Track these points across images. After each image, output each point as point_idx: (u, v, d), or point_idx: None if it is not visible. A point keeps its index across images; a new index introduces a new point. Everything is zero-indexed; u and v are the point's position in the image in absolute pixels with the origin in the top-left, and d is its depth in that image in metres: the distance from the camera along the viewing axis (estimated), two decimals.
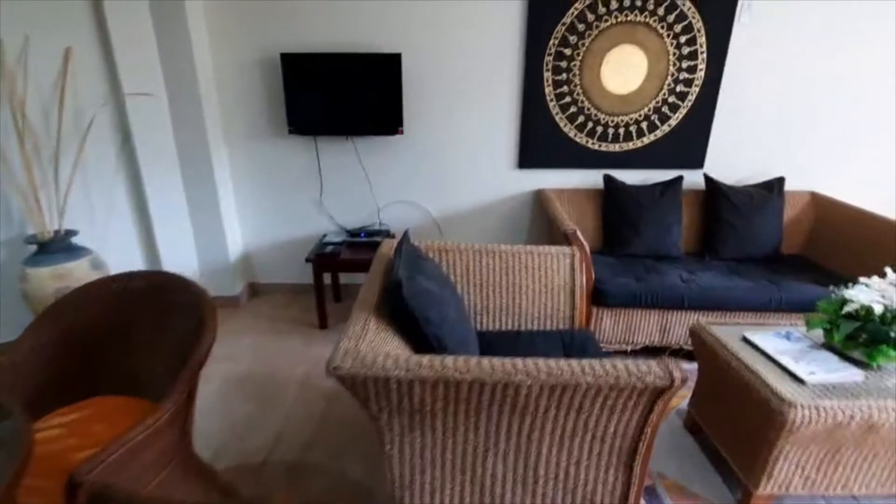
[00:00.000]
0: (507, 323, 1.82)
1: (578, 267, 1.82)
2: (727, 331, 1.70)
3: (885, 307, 1.39)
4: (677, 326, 2.29)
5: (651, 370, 1.01)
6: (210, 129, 2.67)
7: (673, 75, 2.61)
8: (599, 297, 2.23)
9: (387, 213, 3.01)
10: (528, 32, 2.57)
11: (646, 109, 2.69)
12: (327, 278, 3.06)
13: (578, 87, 2.66)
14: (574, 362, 1.04)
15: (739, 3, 2.48)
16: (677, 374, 1.00)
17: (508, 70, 2.67)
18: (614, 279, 2.28)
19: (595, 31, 2.56)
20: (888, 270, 1.53)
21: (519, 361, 1.03)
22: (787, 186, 2.72)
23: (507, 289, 1.82)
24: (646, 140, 2.74)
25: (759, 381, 1.39)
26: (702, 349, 1.71)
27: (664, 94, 2.65)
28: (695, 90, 2.63)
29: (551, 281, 1.83)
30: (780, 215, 2.60)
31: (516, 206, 2.96)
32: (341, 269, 2.65)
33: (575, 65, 2.62)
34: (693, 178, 2.77)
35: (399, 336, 1.24)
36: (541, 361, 1.03)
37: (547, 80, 2.65)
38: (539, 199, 2.85)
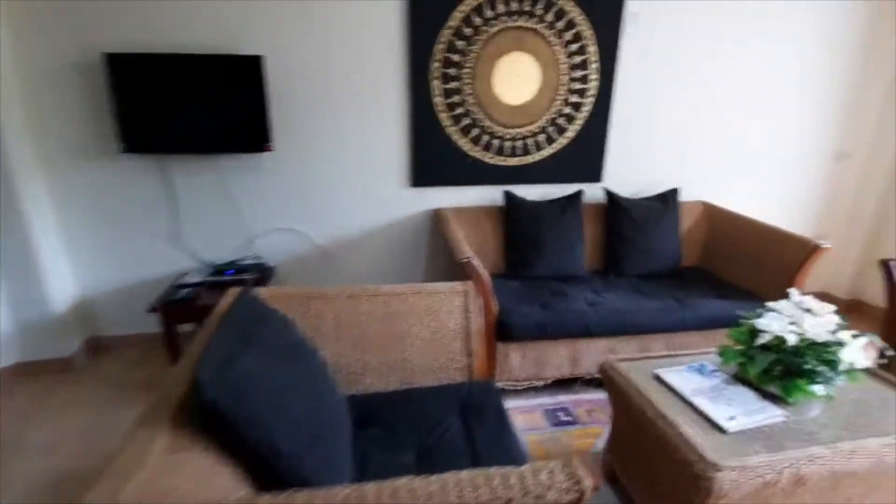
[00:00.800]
0: (394, 381, 1.49)
1: (474, 306, 1.55)
2: (638, 368, 1.51)
3: (799, 336, 1.26)
4: (587, 355, 2.11)
5: (553, 482, 0.73)
6: (13, 152, 2.06)
7: (566, 85, 2.48)
8: (505, 331, 1.98)
9: (264, 244, 2.56)
10: (411, 36, 2.30)
11: (542, 121, 2.53)
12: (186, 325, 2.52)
13: (471, 96, 2.43)
14: (450, 480, 0.73)
15: (625, 13, 2.41)
16: (587, 484, 0.73)
17: (394, 77, 2.37)
18: (519, 309, 2.05)
19: (484, 37, 2.35)
20: (792, 291, 1.43)
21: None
22: (681, 197, 2.70)
23: (391, 340, 1.49)
24: (544, 153, 2.58)
25: (679, 438, 1.19)
26: (614, 390, 1.50)
27: (559, 106, 2.51)
28: (589, 101, 2.52)
29: (444, 326, 1.53)
30: (677, 228, 2.56)
31: (413, 228, 2.66)
32: (198, 318, 2.15)
33: (466, 73, 2.39)
34: (593, 192, 2.66)
35: (217, 454, 0.85)
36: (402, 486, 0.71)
37: (436, 90, 2.39)
38: (437, 220, 2.58)
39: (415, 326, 1.50)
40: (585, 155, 2.63)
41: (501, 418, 1.31)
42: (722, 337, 2.13)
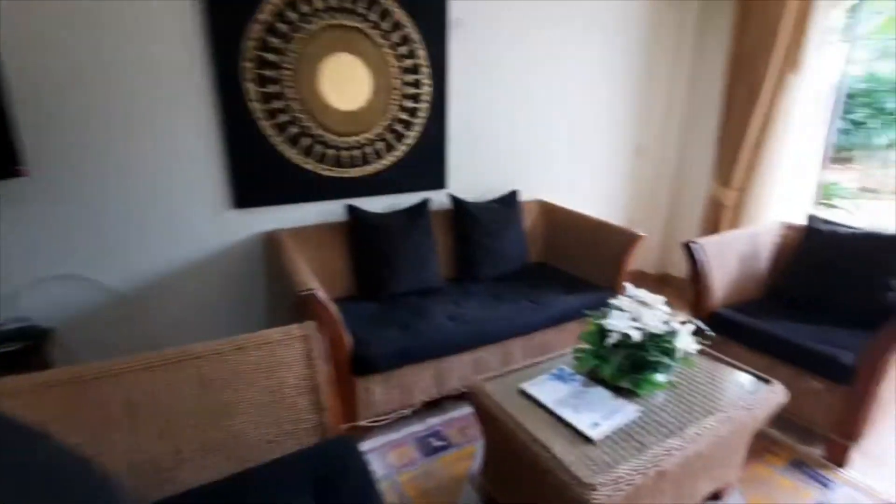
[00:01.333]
0: (223, 467, 1.17)
1: (319, 349, 1.30)
2: (503, 385, 1.45)
3: (641, 331, 1.31)
4: (453, 371, 2.01)
5: None
6: None
7: (399, 90, 2.35)
8: (363, 365, 1.77)
9: (35, 299, 1.92)
10: (211, 30, 1.92)
11: (379, 128, 2.36)
12: None
13: (296, 102, 2.15)
14: None
15: (449, 18, 2.38)
16: None
17: (194, 80, 1.96)
18: (378, 336, 1.86)
19: (303, 35, 2.09)
20: (627, 286, 1.50)
21: None
22: (520, 198, 2.80)
23: (213, 416, 1.17)
24: (385, 162, 2.43)
25: (552, 462, 1.13)
26: (482, 413, 1.41)
27: (395, 111, 2.37)
28: (424, 106, 2.44)
29: (284, 382, 1.26)
30: (521, 228, 2.64)
31: (244, 258, 2.27)
32: None
33: (287, 75, 2.10)
34: (440, 199, 2.60)
35: None
36: None
37: (252, 94, 2.05)
38: (270, 245, 2.23)
39: (244, 391, 1.20)
40: (427, 162, 2.55)
41: (366, 485, 1.11)
42: (573, 329, 2.25)
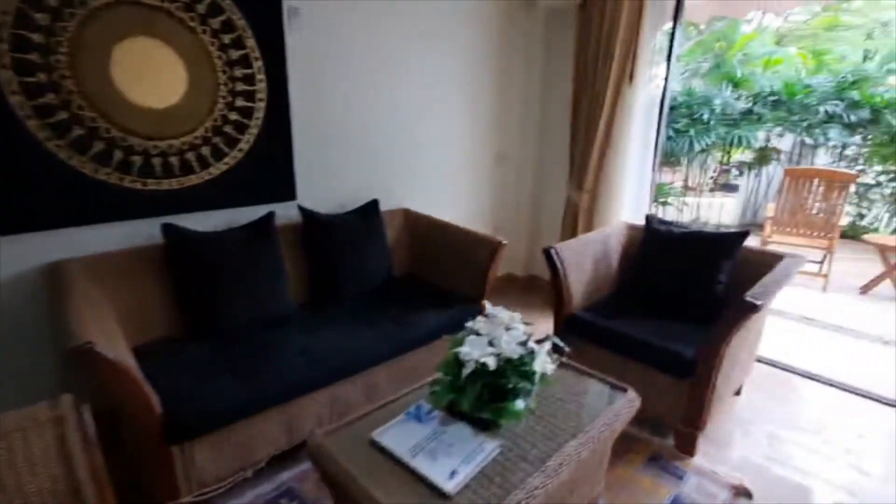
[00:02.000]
0: None
1: (80, 437, 0.94)
2: (351, 436, 1.22)
3: (498, 357, 1.18)
4: (307, 415, 1.73)
5: None
6: None
7: (227, 86, 2.00)
8: (179, 430, 1.40)
9: None
10: None
11: (203, 130, 1.98)
12: None
13: (79, 96, 1.68)
14: None
15: (285, 6, 2.09)
16: None
17: None
18: (202, 389, 1.50)
19: (82, 11, 1.63)
20: (487, 305, 1.38)
21: None
22: (383, 206, 2.60)
23: None
24: (213, 171, 2.04)
25: None
26: (326, 477, 1.17)
27: (223, 111, 2.01)
28: (261, 106, 2.11)
29: (22, 488, 0.88)
30: (384, 239, 2.44)
31: (15, 300, 1.71)
32: None
33: (61, 61, 1.62)
34: (289, 213, 2.28)
35: None
36: None
37: (12, 85, 1.55)
38: (55, 281, 1.71)
39: None
40: (270, 170, 2.22)
41: None
42: (442, 347, 2.10)
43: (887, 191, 5.63)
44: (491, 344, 1.21)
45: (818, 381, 2.45)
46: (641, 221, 2.45)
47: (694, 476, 1.74)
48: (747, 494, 1.65)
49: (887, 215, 5.65)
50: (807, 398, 2.32)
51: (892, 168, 5.63)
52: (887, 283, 3.79)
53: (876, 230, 5.68)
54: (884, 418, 2.16)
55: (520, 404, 1.21)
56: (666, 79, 2.91)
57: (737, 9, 3.31)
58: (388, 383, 1.94)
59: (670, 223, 2.34)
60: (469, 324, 1.30)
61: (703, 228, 2.24)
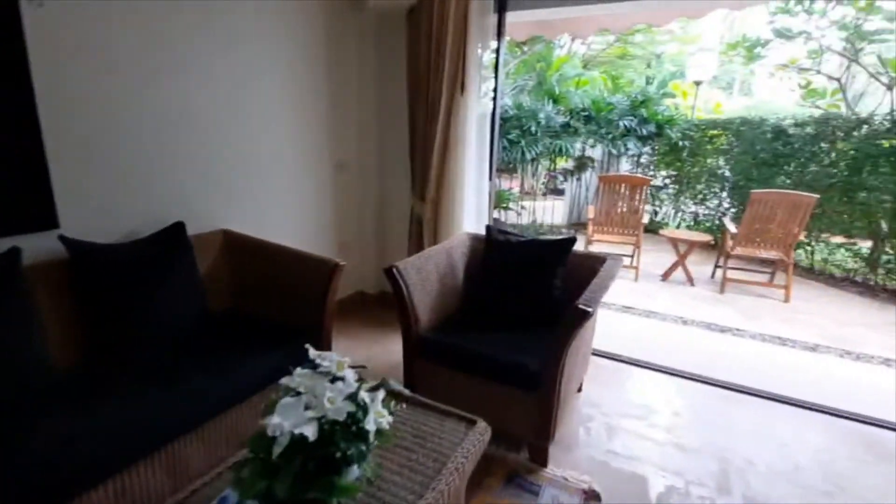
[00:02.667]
0: None
1: None
2: None
3: (321, 422, 0.95)
4: None
5: None
6: None
7: None
8: None
9: None
10: None
11: None
12: None
13: None
14: None
15: None
16: None
17: None
18: None
19: None
20: (309, 349, 1.13)
21: None
22: (195, 229, 2.15)
23: None
24: None
25: None
26: None
27: None
28: None
29: None
30: (194, 269, 2.00)
31: None
32: None
33: None
34: (48, 245, 1.71)
35: None
36: None
37: None
38: None
39: None
40: (12, 191, 1.64)
41: None
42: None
43: (671, 191, 6.83)
44: (311, 406, 0.97)
45: (639, 365, 2.73)
46: (483, 231, 2.44)
47: (549, 488, 1.73)
48: (597, 497, 1.69)
49: (673, 212, 6.86)
50: (632, 384, 2.56)
51: (673, 173, 6.86)
52: (681, 269, 4.53)
53: (667, 225, 6.86)
54: (690, 393, 2.48)
55: (354, 473, 1.00)
56: (495, 91, 3.00)
57: (551, 30, 3.60)
58: (204, 457, 1.55)
59: (509, 233, 2.37)
60: (284, 381, 1.04)
61: (538, 236, 2.30)
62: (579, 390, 2.38)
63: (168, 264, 1.90)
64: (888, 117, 4.50)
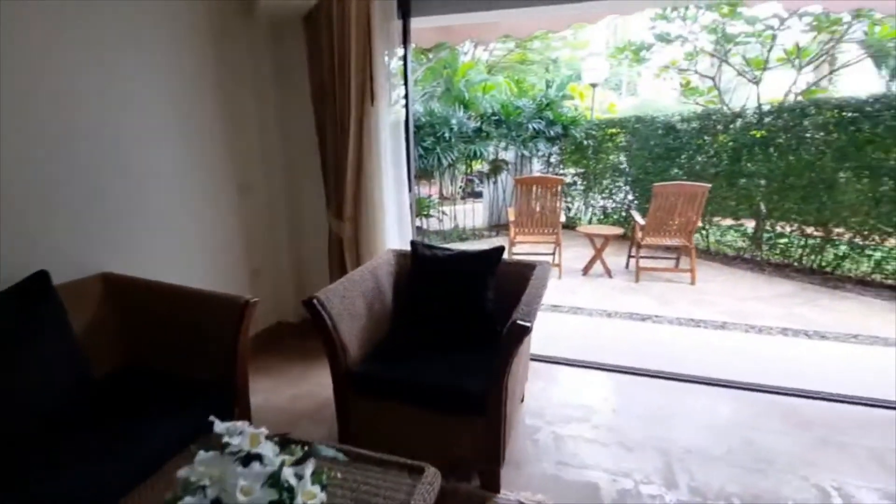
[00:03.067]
0: None
1: None
2: None
3: None
4: None
5: None
6: None
7: None
8: None
9: None
10: None
11: None
12: None
13: None
14: None
15: None
16: None
17: None
18: None
19: None
20: (214, 422, 0.93)
21: None
22: (63, 277, 1.78)
23: None
24: None
25: None
26: None
27: None
28: None
29: None
30: (64, 328, 1.65)
31: None
32: None
33: None
34: None
35: None
36: None
37: None
38: None
39: None
40: None
41: None
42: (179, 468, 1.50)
43: (581, 188, 7.19)
44: (219, 500, 0.78)
45: (574, 365, 2.76)
46: (408, 246, 2.31)
47: None
48: None
49: (584, 207, 7.23)
50: (571, 385, 2.57)
51: (581, 170, 7.23)
52: (599, 263, 4.73)
53: (580, 220, 7.21)
54: (624, 386, 2.54)
55: None
56: (406, 99, 2.90)
57: (455, 36, 3.57)
58: None
59: (435, 247, 2.26)
60: (182, 473, 0.83)
61: (462, 241, 2.21)
62: (522, 400, 2.33)
63: (26, 327, 1.54)
64: (757, 111, 5.07)
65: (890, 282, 4.11)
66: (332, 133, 2.64)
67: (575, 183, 7.26)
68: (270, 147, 2.98)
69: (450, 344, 1.99)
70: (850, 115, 4.20)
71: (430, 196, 7.30)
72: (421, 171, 6.32)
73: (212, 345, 1.80)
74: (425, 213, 7.12)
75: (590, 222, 7.03)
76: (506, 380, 1.60)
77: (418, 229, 7.06)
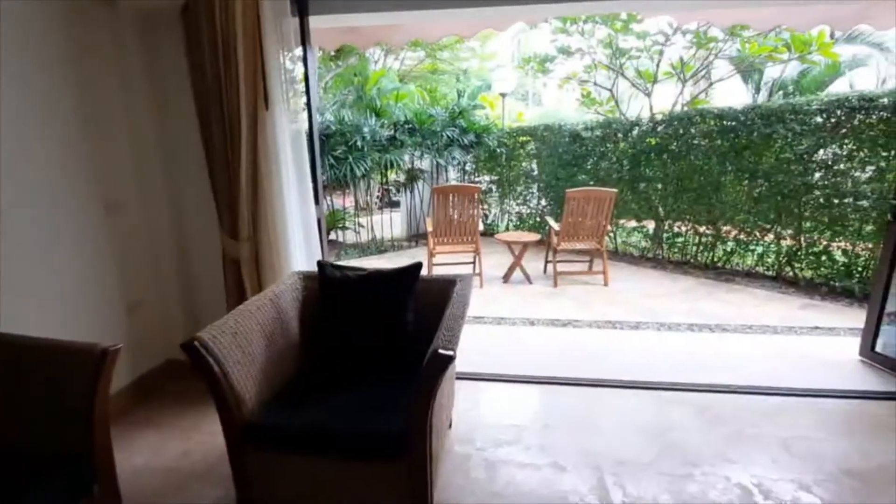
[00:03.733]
0: None
1: None
2: None
3: None
4: None
5: None
6: None
7: None
8: None
9: None
10: None
11: None
12: None
13: None
14: None
15: None
16: None
17: None
18: None
19: None
20: None
21: None
22: None
23: None
24: None
25: None
26: None
27: None
28: None
29: None
30: None
31: None
32: None
33: None
34: None
35: None
36: None
37: None
38: None
39: None
40: None
41: None
42: None
43: (497, 195, 7.29)
44: None
45: (501, 380, 2.66)
46: (315, 267, 2.05)
47: None
48: None
49: (500, 213, 7.33)
50: (499, 404, 2.46)
51: (496, 178, 7.33)
52: (519, 270, 4.74)
53: (498, 227, 7.29)
54: (552, 398, 2.48)
55: None
56: (309, 105, 2.65)
57: (361, 38, 3.37)
58: None
59: (346, 267, 2.03)
60: None
61: (381, 270, 2.02)
62: (450, 426, 2.17)
63: None
64: (650, 120, 5.44)
65: (770, 273, 4.57)
66: (220, 142, 2.30)
67: (491, 190, 7.35)
68: (146, 157, 2.55)
69: (365, 378, 1.77)
70: (728, 123, 4.63)
71: (344, 207, 6.97)
72: (335, 182, 5.99)
73: (64, 408, 1.43)
74: (340, 225, 6.78)
75: (507, 229, 7.13)
76: (429, 416, 1.42)
77: (333, 243, 6.69)
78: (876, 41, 6.32)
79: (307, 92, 2.68)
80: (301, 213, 2.52)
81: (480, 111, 8.00)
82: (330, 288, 1.95)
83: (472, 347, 3.02)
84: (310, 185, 2.53)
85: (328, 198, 6.67)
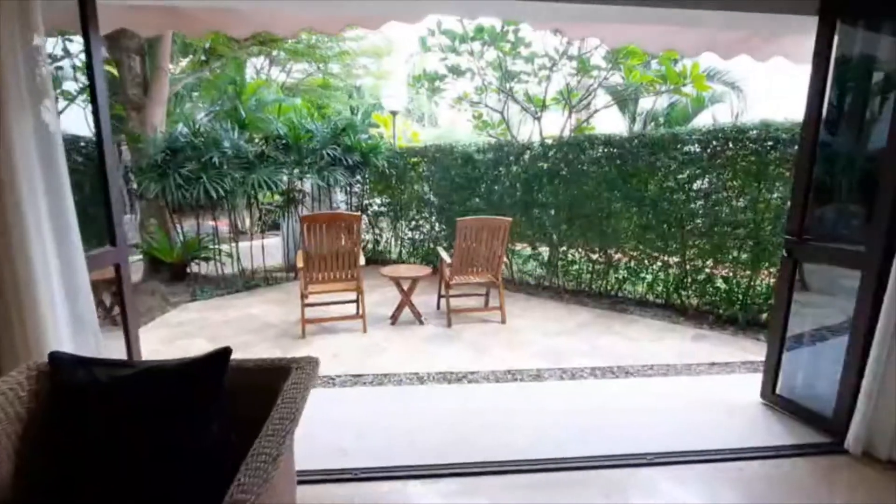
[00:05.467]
0: None
1: None
2: None
3: None
4: None
5: None
6: None
7: None
8: None
9: None
10: None
11: None
12: None
13: None
14: None
15: None
16: None
17: None
18: None
19: None
20: None
21: None
22: None
23: None
24: None
25: None
26: None
27: None
28: None
29: None
30: None
31: None
32: None
33: None
34: None
35: None
36: None
37: None
38: None
39: None
40: None
41: None
42: None
43: (391, 217, 6.71)
44: None
45: (378, 478, 2.02)
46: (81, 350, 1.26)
47: None
48: None
49: (393, 239, 6.74)
50: None
51: (388, 200, 6.77)
52: (409, 308, 4.16)
53: (389, 253, 6.69)
54: (453, 499, 1.91)
55: None
56: (96, 107, 1.87)
57: (189, 25, 2.58)
58: None
59: (97, 361, 1.26)
60: None
61: (162, 366, 1.29)
62: None
63: None
64: (541, 144, 5.28)
65: (660, 301, 4.54)
66: None
67: (383, 213, 6.76)
68: None
69: None
70: (615, 151, 4.58)
71: (215, 228, 5.86)
72: (186, 206, 4.95)
73: None
74: (202, 255, 5.67)
75: (399, 255, 6.56)
76: None
77: (191, 277, 5.55)
78: (730, 80, 6.95)
79: (92, 89, 1.89)
80: (60, 262, 1.68)
81: (375, 130, 7.43)
82: (68, 403, 1.18)
83: (342, 423, 2.36)
84: (72, 218, 1.70)
85: (199, 219, 5.54)
